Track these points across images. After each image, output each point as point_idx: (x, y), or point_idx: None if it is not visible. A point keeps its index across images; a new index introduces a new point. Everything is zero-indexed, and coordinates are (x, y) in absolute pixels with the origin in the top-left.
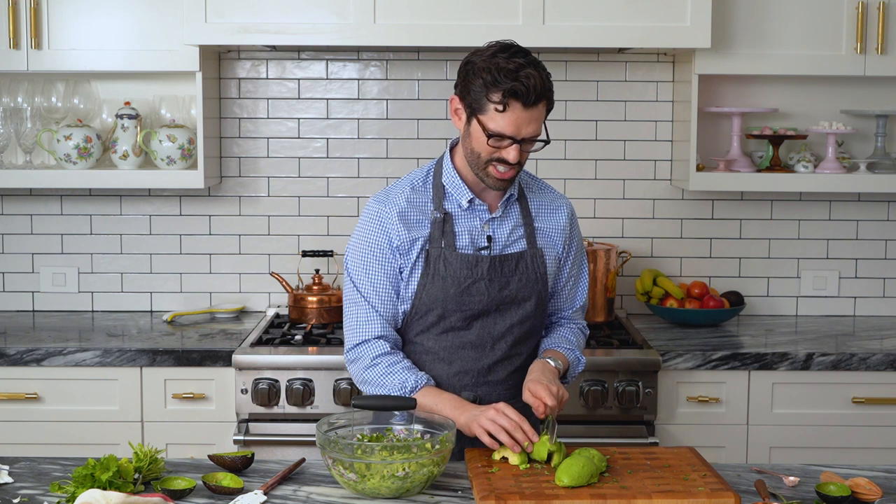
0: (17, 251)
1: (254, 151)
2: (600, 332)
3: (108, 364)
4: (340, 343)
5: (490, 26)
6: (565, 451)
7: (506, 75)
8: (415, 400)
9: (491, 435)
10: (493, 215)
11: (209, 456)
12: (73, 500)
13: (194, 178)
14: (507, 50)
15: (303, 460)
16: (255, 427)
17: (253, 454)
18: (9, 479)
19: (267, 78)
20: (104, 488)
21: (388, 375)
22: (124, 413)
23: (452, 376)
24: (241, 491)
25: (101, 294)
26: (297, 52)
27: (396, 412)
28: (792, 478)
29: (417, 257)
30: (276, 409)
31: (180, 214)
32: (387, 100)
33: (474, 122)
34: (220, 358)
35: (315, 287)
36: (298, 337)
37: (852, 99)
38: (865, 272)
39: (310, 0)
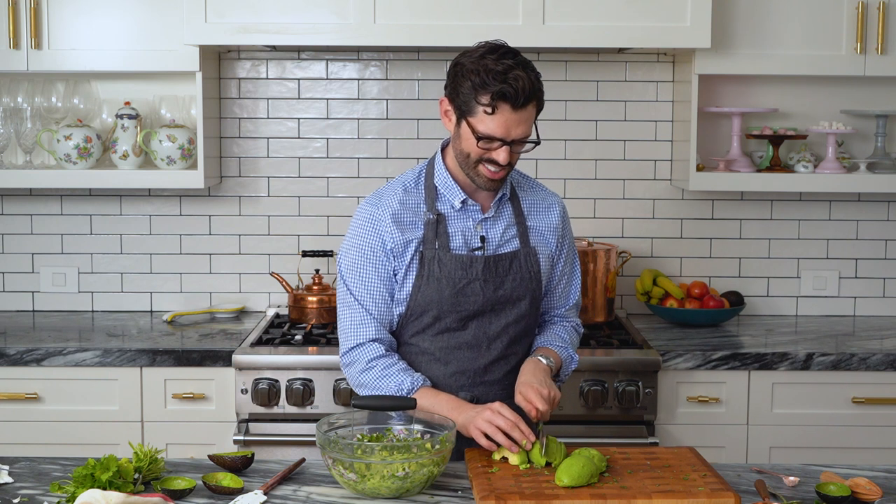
0: (17, 251)
1: (254, 151)
2: (600, 332)
3: (108, 364)
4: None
5: (490, 26)
6: (565, 451)
7: (494, 77)
8: (414, 400)
9: (488, 437)
10: (486, 215)
11: (209, 456)
12: (73, 500)
13: (194, 178)
14: (495, 51)
15: (303, 460)
16: (255, 427)
17: (253, 454)
18: (9, 479)
19: (267, 78)
20: (104, 488)
21: (384, 378)
22: (124, 413)
23: (449, 377)
24: (241, 491)
25: (101, 294)
26: (297, 52)
27: (393, 413)
28: (792, 478)
29: (412, 259)
30: (276, 409)
31: (180, 214)
32: (387, 100)
33: (464, 124)
34: (220, 358)
35: (315, 287)
36: (298, 337)
37: (852, 99)
38: (865, 272)
39: (310, 0)
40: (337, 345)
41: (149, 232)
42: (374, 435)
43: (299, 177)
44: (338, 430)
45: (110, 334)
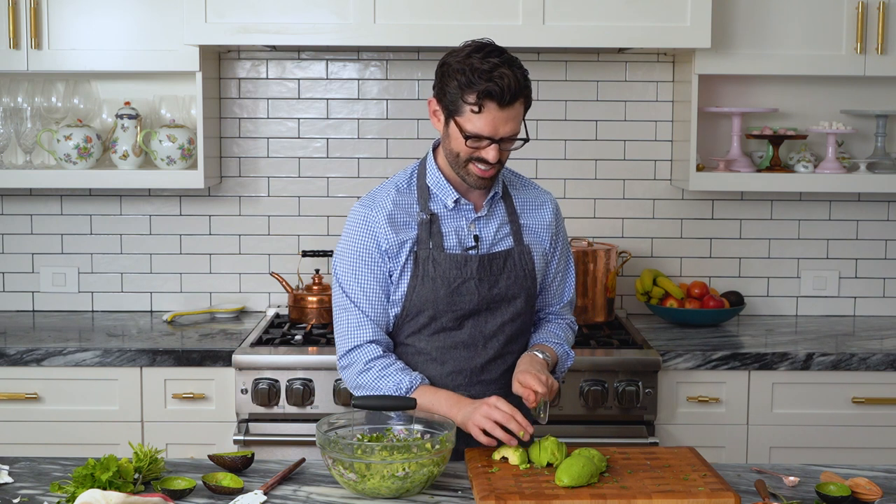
0: (17, 251)
1: (254, 151)
2: (600, 332)
3: (108, 364)
4: None
5: (490, 26)
6: (566, 450)
7: (480, 76)
8: (414, 400)
9: (487, 433)
10: (479, 214)
11: (209, 456)
12: (73, 500)
13: (194, 178)
14: (481, 50)
15: (303, 460)
16: (255, 427)
17: (253, 454)
18: (9, 479)
19: (267, 78)
20: (104, 488)
21: (382, 379)
22: (124, 413)
23: (446, 376)
24: (241, 491)
25: (101, 294)
26: (297, 52)
27: (392, 413)
28: (792, 478)
29: (406, 259)
30: (276, 409)
31: (180, 214)
32: (387, 100)
33: (452, 123)
34: (220, 358)
35: (315, 287)
36: (298, 337)
37: (852, 99)
38: (865, 272)
39: (310, 0)
40: None
41: (149, 232)
42: (374, 435)
43: (299, 177)
44: (338, 430)
45: (110, 334)
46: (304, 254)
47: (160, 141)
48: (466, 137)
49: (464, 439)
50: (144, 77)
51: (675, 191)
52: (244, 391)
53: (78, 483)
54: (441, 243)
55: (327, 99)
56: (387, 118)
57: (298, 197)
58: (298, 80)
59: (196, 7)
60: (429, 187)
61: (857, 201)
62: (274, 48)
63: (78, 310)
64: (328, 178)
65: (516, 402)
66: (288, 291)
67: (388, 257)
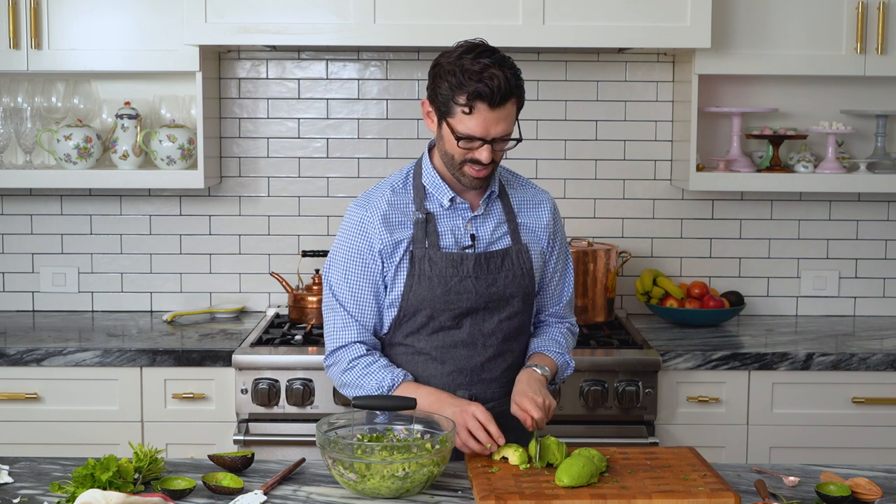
0: (17, 251)
1: (254, 151)
2: (600, 332)
3: (108, 364)
4: None
5: (490, 26)
6: (566, 450)
7: (470, 77)
8: (415, 399)
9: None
10: (476, 213)
11: (209, 456)
12: (73, 500)
13: (194, 178)
14: (472, 50)
15: (303, 460)
16: (255, 427)
17: (253, 454)
18: (9, 479)
19: (267, 78)
20: (104, 488)
21: (366, 377)
22: (124, 413)
23: (446, 376)
24: (241, 491)
25: (101, 294)
26: (297, 52)
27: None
28: (792, 478)
29: (401, 259)
30: (276, 409)
31: (180, 214)
32: (387, 100)
33: (444, 125)
34: (220, 358)
35: (315, 287)
36: (298, 337)
37: (852, 99)
38: (865, 272)
39: (310, 0)
40: None
41: (149, 232)
42: (374, 435)
43: (299, 177)
44: (338, 430)
45: (110, 334)
46: (304, 254)
47: (160, 141)
48: (458, 138)
49: None
50: (144, 77)
51: (675, 191)
52: (244, 391)
53: (78, 483)
54: (437, 242)
55: (327, 99)
56: (387, 118)
57: (298, 197)
58: (298, 80)
59: (196, 7)
60: (424, 187)
61: (857, 201)
62: (274, 48)
63: (78, 310)
64: (328, 178)
65: (512, 419)
66: (288, 291)
67: (383, 258)
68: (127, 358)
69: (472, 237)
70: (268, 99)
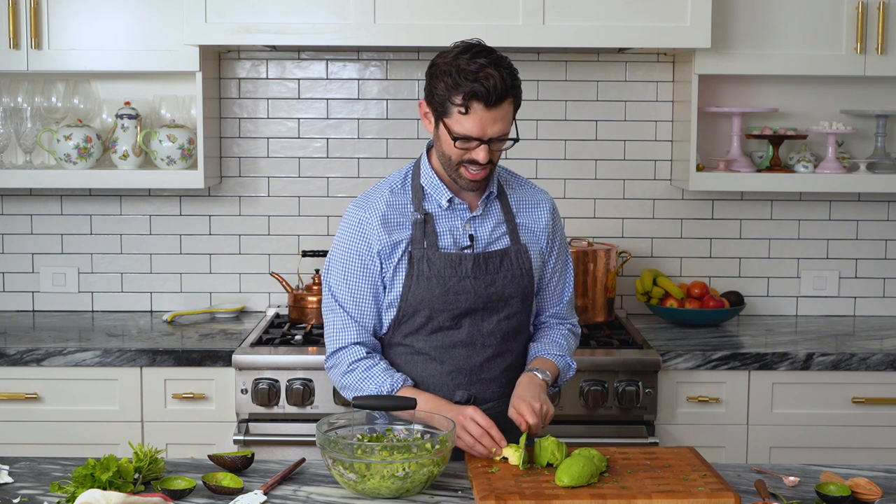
0: (17, 251)
1: (254, 151)
2: (600, 332)
3: (108, 364)
4: None
5: (490, 26)
6: (566, 450)
7: (466, 77)
8: (415, 400)
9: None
10: (474, 214)
11: (209, 456)
12: (73, 500)
13: (194, 178)
14: (469, 50)
15: (303, 460)
16: (255, 427)
17: (253, 454)
18: (9, 479)
19: (267, 78)
20: (104, 488)
21: (366, 380)
22: (124, 413)
23: (445, 376)
24: (241, 491)
25: (101, 294)
26: (297, 52)
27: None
28: (792, 478)
29: (400, 260)
30: (276, 409)
31: (180, 214)
32: (387, 100)
33: (441, 125)
34: (220, 358)
35: (315, 287)
36: (298, 337)
37: (852, 99)
38: (865, 272)
39: (310, 0)
40: None
41: (149, 232)
42: (374, 435)
43: (299, 177)
44: (338, 430)
45: (110, 334)
46: (304, 254)
47: (160, 141)
48: (455, 139)
49: None
50: (144, 77)
51: (675, 191)
52: (244, 391)
53: (78, 483)
54: (435, 243)
55: (327, 99)
56: (387, 118)
57: (298, 197)
58: (298, 80)
59: (196, 7)
60: (423, 187)
61: (857, 201)
62: (274, 48)
63: (78, 310)
64: (328, 178)
65: (509, 422)
66: (288, 291)
67: (382, 258)
68: (127, 358)
69: (471, 237)
70: (268, 99)
